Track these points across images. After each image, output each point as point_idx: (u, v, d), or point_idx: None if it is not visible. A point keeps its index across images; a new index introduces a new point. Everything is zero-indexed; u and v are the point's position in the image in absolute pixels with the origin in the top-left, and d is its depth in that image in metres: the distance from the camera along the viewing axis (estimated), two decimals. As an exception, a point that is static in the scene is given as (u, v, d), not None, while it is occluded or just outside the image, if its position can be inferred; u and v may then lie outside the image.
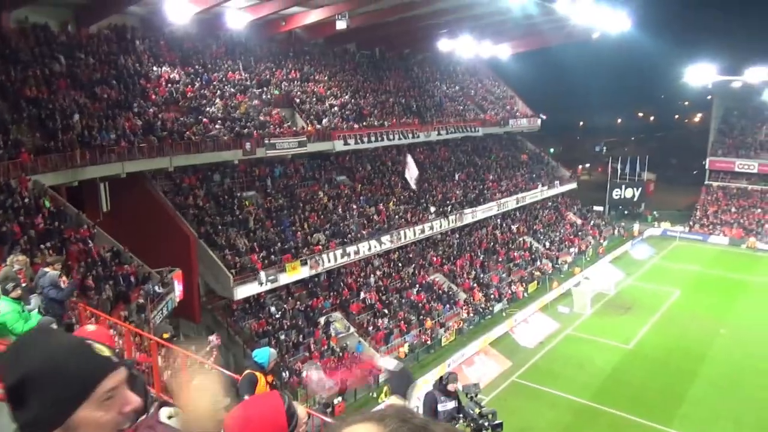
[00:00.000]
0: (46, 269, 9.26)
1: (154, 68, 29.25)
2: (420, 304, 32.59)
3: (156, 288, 20.17)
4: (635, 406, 24.13)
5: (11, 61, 23.29)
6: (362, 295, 31.33)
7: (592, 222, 52.56)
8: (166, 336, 14.88)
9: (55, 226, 18.67)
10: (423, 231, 35.69)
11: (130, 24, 29.57)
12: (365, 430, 1.03)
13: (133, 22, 29.81)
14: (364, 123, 36.85)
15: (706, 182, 58.64)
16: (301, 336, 27.23)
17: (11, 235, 16.55)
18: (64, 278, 9.37)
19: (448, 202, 39.19)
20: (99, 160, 22.66)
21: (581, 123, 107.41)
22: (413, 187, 35.72)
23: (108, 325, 10.90)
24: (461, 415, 8.78)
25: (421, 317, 31.67)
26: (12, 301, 7.21)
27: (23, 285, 7.87)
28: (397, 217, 35.01)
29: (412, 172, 33.59)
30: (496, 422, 9.15)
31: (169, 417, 2.59)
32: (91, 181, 23.13)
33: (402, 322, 30.68)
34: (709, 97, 64.15)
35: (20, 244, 16.62)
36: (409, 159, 34.05)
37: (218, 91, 30.93)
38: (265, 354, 7.06)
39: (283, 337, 26.49)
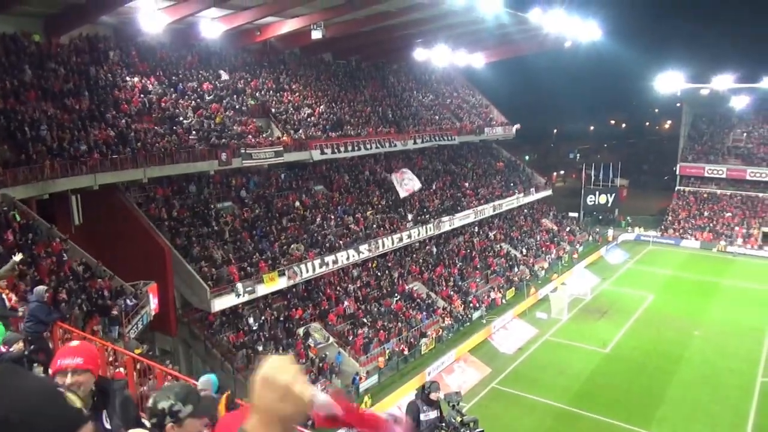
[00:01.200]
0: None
1: (127, 78, 28.86)
2: (400, 313, 32.53)
3: (128, 301, 19.78)
4: (614, 409, 24.40)
5: (-22, 72, 22.80)
6: (341, 304, 31.17)
7: (567, 228, 53.24)
8: (138, 351, 14.60)
9: (26, 241, 18.20)
10: (401, 239, 35.72)
11: (102, 33, 29.17)
12: None
13: (106, 31, 29.43)
14: (341, 132, 36.83)
15: (677, 187, 59.91)
16: (279, 347, 26.94)
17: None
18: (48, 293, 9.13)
19: (425, 210, 39.32)
20: (70, 172, 22.25)
21: (555, 130, 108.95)
22: (402, 196, 36.26)
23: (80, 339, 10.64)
24: (443, 424, 8.76)
25: (400, 326, 31.61)
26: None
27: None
28: (374, 226, 34.98)
29: (413, 185, 34.38)
30: (478, 430, 9.15)
31: None
32: (63, 194, 22.63)
33: (381, 330, 30.57)
34: (678, 104, 65.67)
35: (-12, 259, 16.15)
36: (408, 173, 34.77)
37: (192, 102, 30.63)
38: (214, 383, 7.14)
39: (261, 348, 26.15)
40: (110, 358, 10.92)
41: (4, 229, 17.92)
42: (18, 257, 10.68)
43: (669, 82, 56.97)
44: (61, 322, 12.31)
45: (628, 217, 57.75)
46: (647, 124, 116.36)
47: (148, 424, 2.57)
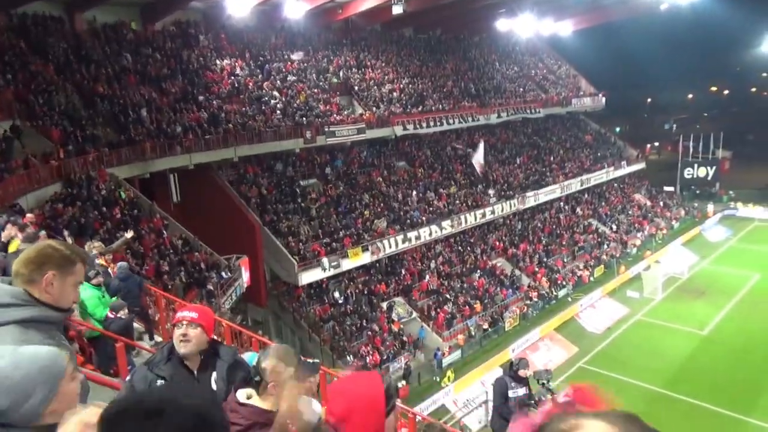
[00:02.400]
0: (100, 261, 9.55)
1: (217, 61, 30.03)
2: (482, 289, 32.23)
3: (223, 274, 20.84)
4: (713, 394, 23.02)
5: (84, 61, 24.53)
6: (424, 280, 31.30)
7: (662, 203, 50.29)
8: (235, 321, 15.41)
9: (131, 216, 19.54)
10: (484, 215, 35.20)
11: (192, 19, 30.44)
12: (593, 423, 1.02)
13: (196, 17, 30.68)
14: (423, 108, 36.56)
15: (787, 159, 54.83)
16: (364, 321, 27.53)
17: (92, 226, 17.43)
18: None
19: (509, 185, 38.44)
20: (168, 152, 23.60)
21: (649, 100, 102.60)
22: (478, 171, 35.65)
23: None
24: (533, 402, 8.61)
25: (484, 302, 31.33)
26: (93, 288, 7.59)
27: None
28: (457, 201, 34.66)
29: (478, 157, 33.87)
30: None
31: (248, 397, 2.63)
32: (162, 173, 24.10)
33: (465, 306, 30.44)
34: (790, 66, 59.74)
35: (99, 234, 17.51)
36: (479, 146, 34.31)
37: (278, 82, 31.44)
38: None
39: (348, 322, 26.84)
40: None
41: (112, 206, 19.31)
42: (130, 234, 11.42)
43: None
44: (162, 290, 13.19)
45: (731, 192, 53.58)
46: (753, 90, 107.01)
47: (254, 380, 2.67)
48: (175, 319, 3.40)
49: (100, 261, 10.27)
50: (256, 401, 2.61)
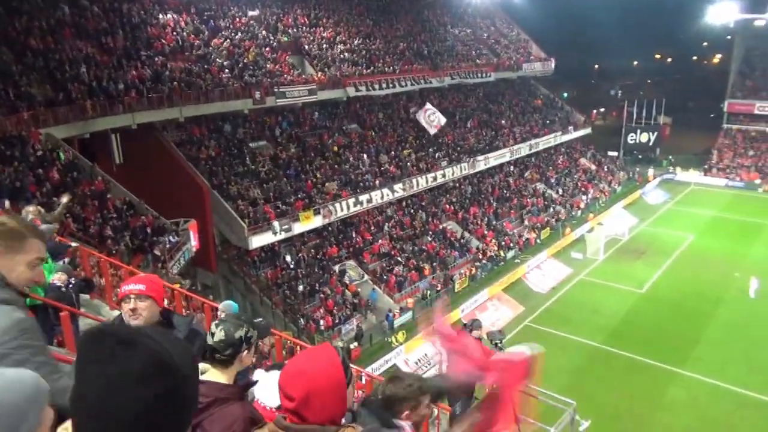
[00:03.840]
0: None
1: (160, 15, 28.61)
2: (433, 252, 32.72)
3: (171, 238, 20.33)
4: (649, 348, 24.40)
5: (15, 12, 22.88)
6: (376, 243, 31.47)
7: (606, 167, 51.93)
8: (178, 285, 15.09)
9: (70, 178, 18.69)
10: (435, 179, 35.47)
11: (132, -30, 28.73)
12: None
13: (136, -33, 28.96)
14: (375, 69, 36.09)
15: (724, 125, 57.32)
16: (315, 284, 27.56)
17: (27, 189, 16.60)
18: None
19: (460, 149, 38.75)
20: (109, 111, 22.54)
21: (596, 66, 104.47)
22: (431, 132, 35.61)
23: (129, 275, 11.04)
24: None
25: (434, 265, 31.85)
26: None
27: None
28: (409, 165, 34.73)
29: (438, 119, 33.68)
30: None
31: (202, 373, 2.54)
32: (103, 133, 23.03)
33: (414, 271, 30.88)
34: (729, 37, 61.88)
35: (36, 197, 16.70)
36: (430, 108, 34.04)
37: (225, 40, 30.28)
38: (234, 308, 7.25)
39: (300, 288, 26.80)
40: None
41: (50, 167, 18.39)
42: (65, 198, 10.83)
43: (721, 13, 53.46)
44: (107, 256, 12.78)
45: (670, 157, 55.83)
46: (694, 58, 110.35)
47: (220, 355, 2.57)
48: (122, 293, 3.23)
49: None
50: (212, 375, 2.53)
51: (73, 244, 10.22)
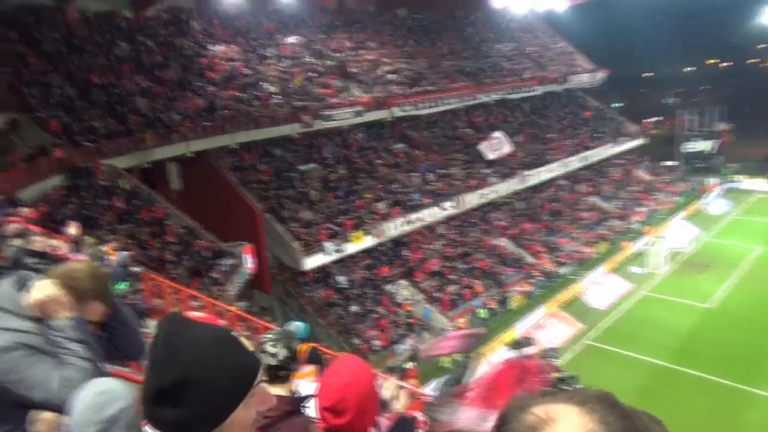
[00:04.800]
0: (103, 248, 9.56)
1: (210, 47, 29.66)
2: (486, 269, 32.19)
3: (227, 261, 20.75)
4: (719, 366, 23.09)
5: (77, 50, 24.20)
6: (427, 262, 31.25)
7: (663, 178, 50.14)
8: (235, 308, 15.32)
9: (132, 207, 19.40)
10: (485, 195, 35.06)
11: (184, 5, 30.01)
12: (566, 413, 0.85)
13: (188, 3, 30.25)
14: (419, 89, 36.23)
15: (788, 129, 54.59)
16: (369, 304, 27.52)
17: (93, 217, 17.30)
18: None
19: (509, 164, 38.24)
20: (166, 141, 23.38)
21: (647, 74, 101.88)
22: (490, 158, 35.37)
23: (189, 298, 11.29)
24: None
25: (488, 282, 31.31)
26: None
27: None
28: (458, 182, 34.49)
29: (502, 148, 33.59)
30: (577, 387, 8.86)
31: None
32: (162, 162, 23.90)
33: (467, 288, 30.42)
34: (789, 37, 59.21)
35: (102, 226, 17.40)
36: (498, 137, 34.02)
37: (273, 66, 31.09)
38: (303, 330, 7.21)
39: (353, 308, 26.81)
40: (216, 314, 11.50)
41: (113, 196, 19.15)
42: (73, 229, 9.99)
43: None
44: (167, 280, 13.10)
45: (732, 164, 53.41)
46: (751, 62, 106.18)
47: (286, 371, 2.58)
48: None
49: (103, 248, 10.18)
50: (275, 390, 2.52)
51: (137, 269, 10.55)
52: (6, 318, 1.98)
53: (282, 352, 2.60)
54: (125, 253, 10.51)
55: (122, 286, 8.11)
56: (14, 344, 1.93)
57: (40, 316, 2.01)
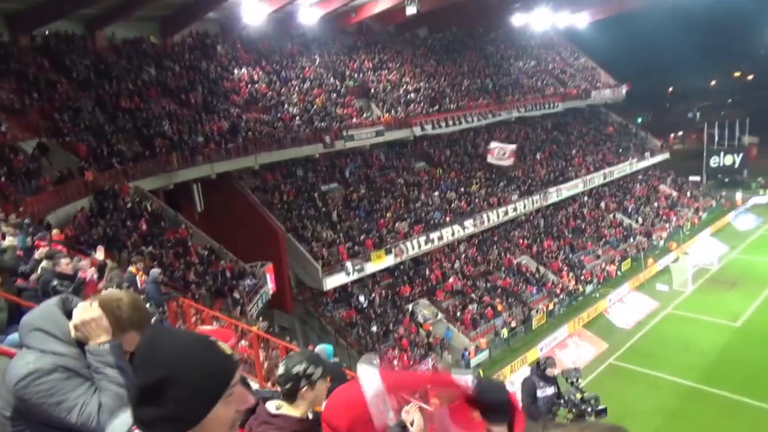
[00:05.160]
0: (130, 268, 9.88)
1: (235, 71, 30.34)
2: (508, 288, 31.97)
3: (249, 281, 21.00)
4: (749, 387, 22.45)
5: (106, 76, 25.01)
6: (448, 280, 31.17)
7: (688, 193, 49.35)
8: (257, 327, 15.50)
9: (157, 229, 19.83)
10: (506, 213, 34.93)
11: (209, 30, 30.80)
12: None
13: (213, 27, 31.03)
14: (440, 107, 36.45)
15: (818, 142, 53.40)
16: (390, 324, 27.51)
17: (119, 238, 17.74)
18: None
19: (530, 181, 38.09)
20: (190, 163, 23.91)
21: (670, 89, 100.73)
22: (507, 165, 35.10)
23: (211, 319, 11.50)
24: (561, 401, 8.49)
25: (510, 301, 31.08)
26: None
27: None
28: (479, 200, 34.45)
29: (507, 151, 33.40)
30: (600, 408, 8.78)
31: (278, 408, 2.63)
32: (186, 184, 24.40)
33: (489, 307, 30.21)
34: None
35: (127, 246, 17.82)
36: (496, 145, 34.00)
37: (295, 88, 31.64)
38: (329, 353, 7.33)
39: (374, 328, 26.84)
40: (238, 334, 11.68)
41: (138, 218, 19.62)
42: (99, 254, 10.24)
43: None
44: (190, 300, 13.35)
45: (760, 178, 52.32)
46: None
47: (281, 388, 2.65)
48: None
49: (130, 269, 10.51)
50: (287, 410, 2.61)
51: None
52: (50, 341, 2.07)
53: (280, 369, 2.67)
54: (156, 270, 10.91)
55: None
56: (55, 367, 2.02)
57: (82, 340, 2.11)
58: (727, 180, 53.78)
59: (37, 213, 15.85)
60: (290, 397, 2.61)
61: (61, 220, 17.08)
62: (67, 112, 22.22)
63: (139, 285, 9.95)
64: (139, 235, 18.91)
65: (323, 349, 7.82)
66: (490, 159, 34.73)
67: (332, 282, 26.30)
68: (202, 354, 1.36)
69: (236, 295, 19.72)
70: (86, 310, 2.13)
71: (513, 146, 35.18)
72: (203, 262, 20.48)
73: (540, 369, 8.31)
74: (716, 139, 54.24)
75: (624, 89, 51.75)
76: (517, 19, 42.73)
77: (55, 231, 12.17)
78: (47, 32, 25.02)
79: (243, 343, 11.58)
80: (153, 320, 7.62)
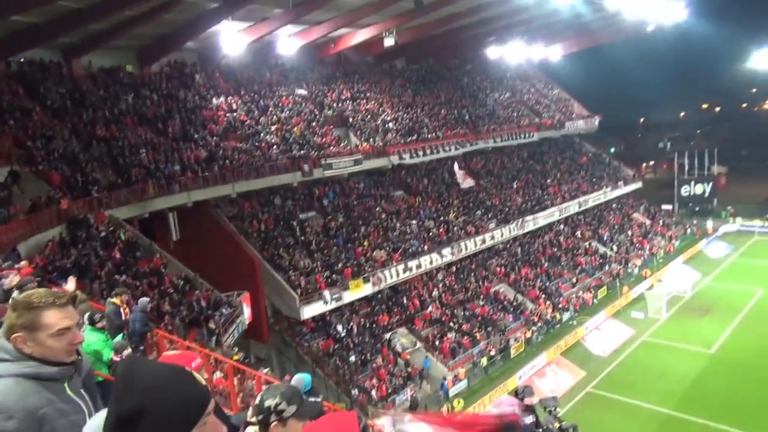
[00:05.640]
0: (114, 300, 9.67)
1: (213, 100, 30.38)
2: (486, 316, 31.99)
3: (224, 311, 20.68)
4: (725, 414, 22.67)
5: (82, 104, 24.84)
6: (427, 309, 31.09)
7: (661, 222, 50.36)
8: (235, 358, 15.22)
9: (131, 258, 19.50)
10: (484, 241, 35.15)
11: (188, 59, 30.89)
12: None
13: (191, 57, 31.14)
14: (418, 137, 36.88)
15: (783, 172, 55.20)
16: (368, 354, 27.25)
17: (91, 268, 17.39)
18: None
19: (507, 209, 38.51)
20: (167, 191, 23.68)
21: (641, 120, 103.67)
22: (467, 186, 35.96)
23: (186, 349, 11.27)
24: (540, 430, 8.47)
25: (488, 329, 31.08)
26: (99, 332, 7.55)
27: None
28: (456, 228, 34.66)
29: (465, 181, 34.16)
30: (577, 437, 8.77)
31: None
32: (161, 212, 24.13)
33: (466, 336, 30.16)
34: (779, 82, 60.62)
35: (100, 276, 17.48)
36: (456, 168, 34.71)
37: (274, 117, 31.77)
38: (306, 382, 7.23)
39: (352, 358, 26.56)
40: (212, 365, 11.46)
41: (111, 247, 19.29)
42: (71, 284, 10.17)
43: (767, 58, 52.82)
44: (163, 331, 13.09)
45: (729, 207, 53.72)
46: (744, 105, 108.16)
47: (254, 420, 2.60)
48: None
49: (113, 300, 10.20)
50: None
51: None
52: None
53: (257, 399, 2.62)
54: (145, 299, 10.76)
55: (118, 339, 8.14)
56: None
57: None
58: (698, 209, 55.11)
59: (7, 242, 15.50)
60: (264, 427, 2.58)
61: (31, 249, 16.71)
62: (41, 139, 21.95)
63: (123, 317, 9.73)
64: (113, 264, 18.57)
65: (301, 378, 7.65)
66: (463, 184, 35.73)
67: (310, 311, 26.05)
68: (178, 384, 1.39)
69: (212, 325, 19.39)
70: None
71: (461, 171, 36.31)
72: (178, 292, 20.14)
73: (518, 398, 8.30)
74: (686, 168, 55.75)
75: (597, 120, 53.07)
76: (492, 52, 43.75)
77: (24, 262, 11.89)
78: (22, 59, 24.83)
79: (218, 374, 11.37)
80: (127, 353, 7.45)
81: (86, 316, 7.69)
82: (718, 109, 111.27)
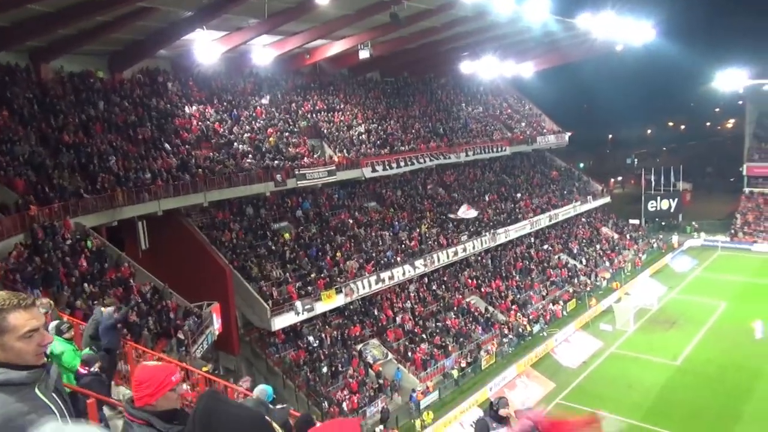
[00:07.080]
0: (103, 310, 9.47)
1: (186, 108, 30.06)
2: (457, 328, 32.12)
3: (194, 321, 20.36)
4: (690, 425, 23.20)
5: (50, 110, 24.30)
6: (398, 320, 31.08)
7: (628, 236, 51.43)
8: (206, 369, 14.98)
9: (98, 267, 19.08)
10: (456, 253, 35.40)
11: (161, 67, 30.54)
12: None
13: (164, 64, 30.80)
14: (392, 149, 37.06)
15: (745, 189, 57.01)
16: (339, 365, 27.07)
17: (57, 276, 16.97)
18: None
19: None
20: (136, 199, 23.27)
21: (610, 136, 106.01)
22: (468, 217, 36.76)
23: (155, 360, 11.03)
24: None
25: (460, 341, 31.20)
26: (66, 341, 7.39)
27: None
28: (429, 240, 34.83)
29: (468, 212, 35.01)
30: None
31: None
32: (130, 220, 23.68)
33: (436, 348, 30.21)
34: (740, 102, 62.79)
35: (66, 285, 17.05)
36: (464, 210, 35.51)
37: (247, 126, 31.57)
38: (269, 393, 7.23)
39: (324, 369, 26.36)
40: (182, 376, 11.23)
41: (78, 256, 18.85)
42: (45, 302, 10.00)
43: (730, 79, 54.67)
44: (133, 342, 12.81)
45: (694, 222, 55.20)
46: (708, 124, 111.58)
47: None
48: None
49: (102, 310, 9.84)
50: None
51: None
52: None
53: None
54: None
55: (86, 351, 7.95)
56: None
57: None
58: (664, 223, 56.48)
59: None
60: None
61: (-6, 257, 16.23)
62: (6, 144, 21.38)
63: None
64: (80, 272, 18.14)
65: (263, 390, 7.65)
66: (459, 214, 36.32)
67: (281, 322, 25.80)
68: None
69: (180, 335, 19.07)
70: None
71: (467, 207, 37.14)
72: (146, 302, 19.77)
73: (493, 410, 8.34)
74: (653, 184, 57.14)
75: (567, 135, 54.13)
76: (466, 67, 44.30)
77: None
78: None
79: (185, 387, 11.15)
80: (97, 367, 7.25)
81: (53, 325, 7.51)
82: (683, 127, 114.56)
